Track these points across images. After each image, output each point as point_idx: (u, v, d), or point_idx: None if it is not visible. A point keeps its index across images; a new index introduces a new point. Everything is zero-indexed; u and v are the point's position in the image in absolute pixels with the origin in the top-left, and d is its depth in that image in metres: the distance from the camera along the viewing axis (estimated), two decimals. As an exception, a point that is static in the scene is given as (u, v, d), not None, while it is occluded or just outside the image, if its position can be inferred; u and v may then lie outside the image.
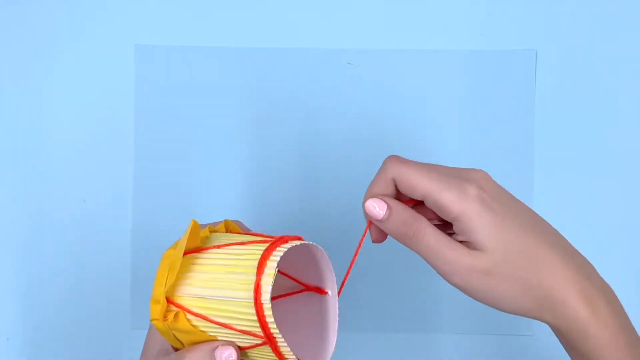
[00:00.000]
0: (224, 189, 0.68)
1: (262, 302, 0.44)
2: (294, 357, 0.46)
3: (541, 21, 0.69)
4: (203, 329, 0.47)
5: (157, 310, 0.47)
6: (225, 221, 0.51)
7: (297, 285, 0.52)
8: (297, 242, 0.46)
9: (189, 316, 0.47)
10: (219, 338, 0.47)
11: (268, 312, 0.44)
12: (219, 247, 0.48)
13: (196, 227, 0.48)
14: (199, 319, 0.46)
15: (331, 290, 0.51)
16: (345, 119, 0.68)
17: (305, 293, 0.52)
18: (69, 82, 0.69)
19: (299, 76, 0.69)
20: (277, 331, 0.45)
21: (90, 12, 0.69)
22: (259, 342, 0.46)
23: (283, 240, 0.46)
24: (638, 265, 0.69)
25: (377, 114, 0.69)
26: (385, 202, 0.48)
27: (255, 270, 0.45)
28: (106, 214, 0.68)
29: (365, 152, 0.68)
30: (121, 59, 0.69)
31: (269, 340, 0.45)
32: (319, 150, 0.68)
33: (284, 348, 0.45)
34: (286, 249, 0.45)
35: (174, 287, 0.47)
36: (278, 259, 0.45)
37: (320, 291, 0.51)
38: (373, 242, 0.51)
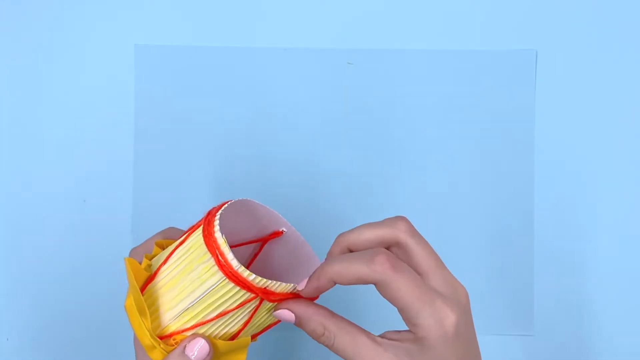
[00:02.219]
0: (225, 189, 0.68)
1: (235, 269, 0.44)
2: (293, 285, 0.46)
3: (541, 21, 0.69)
4: (209, 334, 0.47)
5: (157, 354, 0.47)
6: (156, 242, 0.51)
7: (257, 248, 0.52)
8: (225, 205, 0.47)
9: (188, 334, 0.47)
10: (223, 328, 0.47)
11: (245, 273, 0.44)
12: (165, 262, 0.48)
13: (134, 264, 0.48)
14: (196, 329, 0.46)
15: (284, 226, 0.51)
16: (345, 118, 0.68)
17: (267, 246, 0.52)
18: (69, 82, 0.69)
19: (299, 76, 0.69)
20: (265, 280, 0.45)
21: (90, 12, 0.69)
22: (258, 303, 0.46)
23: (211, 214, 0.46)
24: (638, 266, 0.69)
25: (376, 114, 0.69)
26: (291, 310, 0.47)
27: (208, 254, 0.45)
28: (106, 214, 0.68)
29: (365, 152, 0.68)
30: (121, 59, 0.69)
31: (265, 294, 0.45)
32: (319, 150, 0.68)
33: (280, 286, 0.45)
34: (219, 215, 0.46)
35: (154, 325, 0.47)
36: (218, 227, 0.45)
37: (277, 234, 0.51)
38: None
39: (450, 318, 0.44)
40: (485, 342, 0.68)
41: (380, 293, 0.45)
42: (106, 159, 0.68)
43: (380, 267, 0.44)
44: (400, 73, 0.69)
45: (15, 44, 0.69)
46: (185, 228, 0.68)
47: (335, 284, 0.46)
